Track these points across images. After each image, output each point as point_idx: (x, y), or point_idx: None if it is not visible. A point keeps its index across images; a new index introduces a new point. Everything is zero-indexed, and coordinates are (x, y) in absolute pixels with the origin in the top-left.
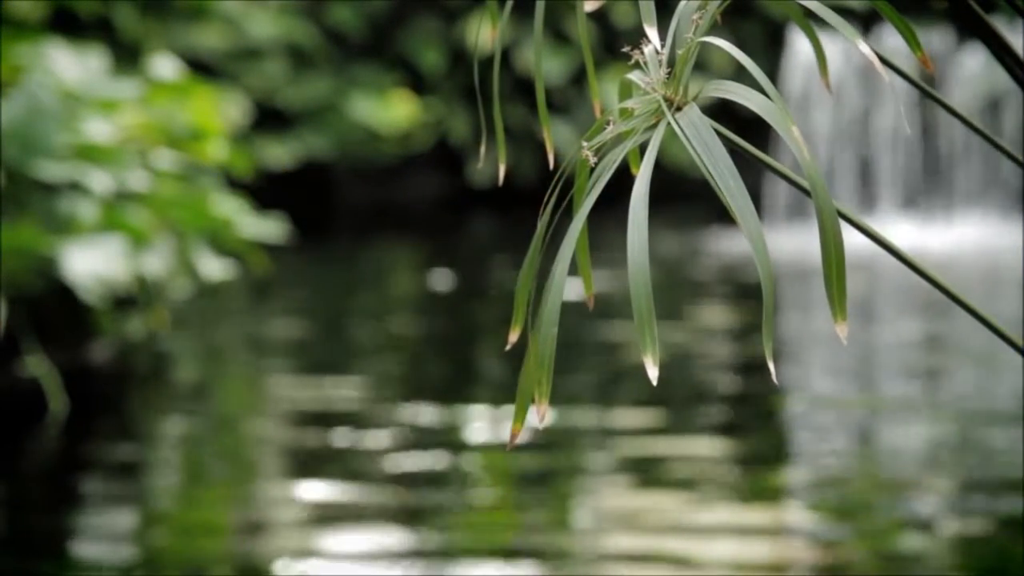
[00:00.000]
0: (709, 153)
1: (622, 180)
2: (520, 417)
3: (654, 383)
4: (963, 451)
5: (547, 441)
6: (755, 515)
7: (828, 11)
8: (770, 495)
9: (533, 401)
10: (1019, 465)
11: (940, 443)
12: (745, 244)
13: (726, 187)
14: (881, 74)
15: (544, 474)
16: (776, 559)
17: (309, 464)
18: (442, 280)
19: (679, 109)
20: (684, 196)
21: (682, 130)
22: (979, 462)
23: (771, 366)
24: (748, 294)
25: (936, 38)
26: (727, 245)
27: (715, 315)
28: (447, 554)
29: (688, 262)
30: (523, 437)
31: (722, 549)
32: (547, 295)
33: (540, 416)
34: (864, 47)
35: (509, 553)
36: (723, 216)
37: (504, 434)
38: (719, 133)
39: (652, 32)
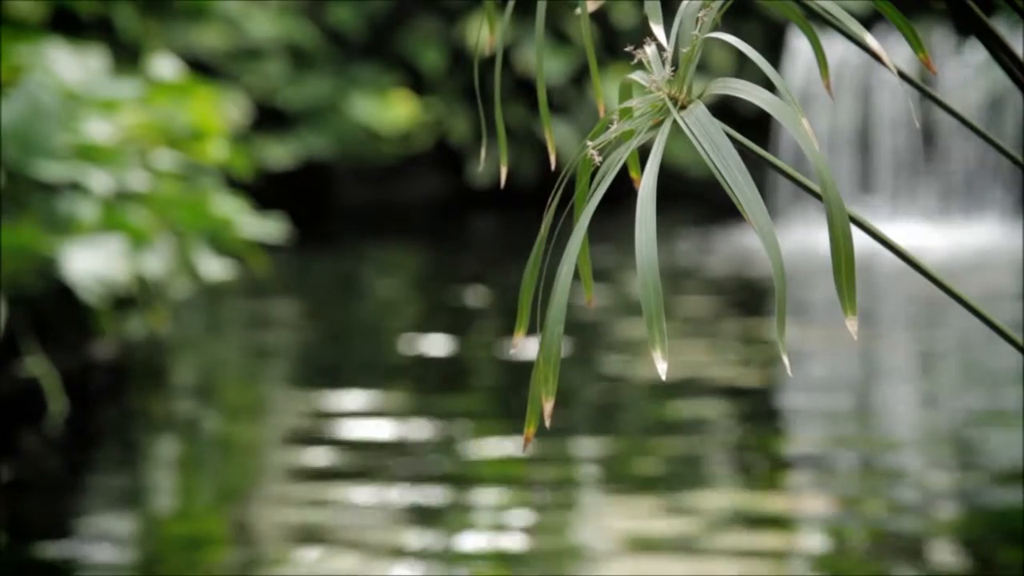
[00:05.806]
0: (717, 150)
1: (615, 186)
2: (532, 421)
3: (663, 377)
4: (961, 443)
5: (550, 447)
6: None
7: (836, 7)
8: (773, 485)
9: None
10: (1018, 458)
11: (938, 436)
12: (742, 243)
13: (735, 183)
14: (889, 68)
15: (546, 480)
16: (780, 548)
17: (308, 467)
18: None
19: (683, 107)
20: (682, 196)
21: (689, 128)
22: (977, 454)
23: (785, 360)
24: (746, 295)
25: (936, 38)
26: (726, 245)
27: (710, 308)
28: (448, 555)
29: (686, 262)
30: (524, 444)
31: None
32: (553, 294)
33: (547, 413)
34: (872, 41)
35: (511, 553)
36: (720, 216)
37: (506, 439)
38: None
39: (659, 31)
